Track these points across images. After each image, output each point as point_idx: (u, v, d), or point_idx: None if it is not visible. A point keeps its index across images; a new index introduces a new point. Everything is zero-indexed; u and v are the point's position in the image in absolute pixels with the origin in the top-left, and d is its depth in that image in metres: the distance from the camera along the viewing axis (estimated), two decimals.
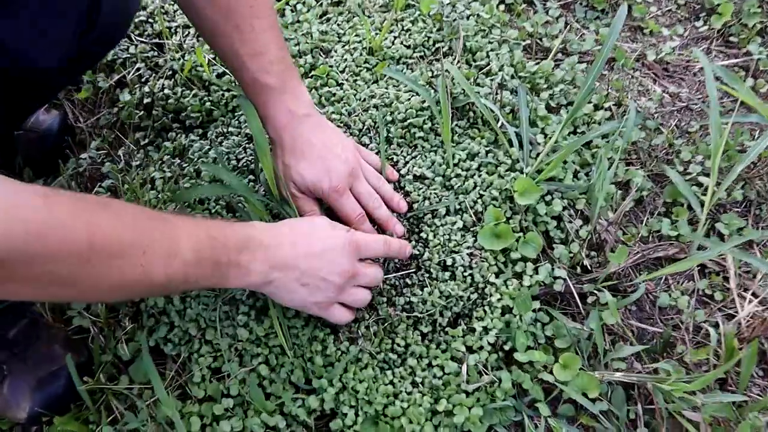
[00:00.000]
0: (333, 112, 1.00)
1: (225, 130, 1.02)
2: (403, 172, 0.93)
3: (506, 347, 0.82)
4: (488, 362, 0.81)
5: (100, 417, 0.78)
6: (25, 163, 1.00)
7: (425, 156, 0.95)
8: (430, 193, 0.91)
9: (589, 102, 1.07)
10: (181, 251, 0.60)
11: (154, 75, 1.11)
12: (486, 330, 0.82)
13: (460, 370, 0.79)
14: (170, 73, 1.11)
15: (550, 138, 0.95)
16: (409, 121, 0.96)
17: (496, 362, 0.81)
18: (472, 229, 0.89)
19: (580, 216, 0.94)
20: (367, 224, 0.85)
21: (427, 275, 0.85)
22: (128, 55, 1.13)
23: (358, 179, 0.85)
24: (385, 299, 0.83)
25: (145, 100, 1.07)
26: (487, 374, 0.79)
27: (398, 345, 0.81)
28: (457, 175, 0.92)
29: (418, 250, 0.86)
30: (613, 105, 1.09)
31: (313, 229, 0.76)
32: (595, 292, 0.87)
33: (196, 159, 0.98)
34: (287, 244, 0.72)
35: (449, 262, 0.85)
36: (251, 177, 0.94)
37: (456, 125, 0.98)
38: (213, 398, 0.79)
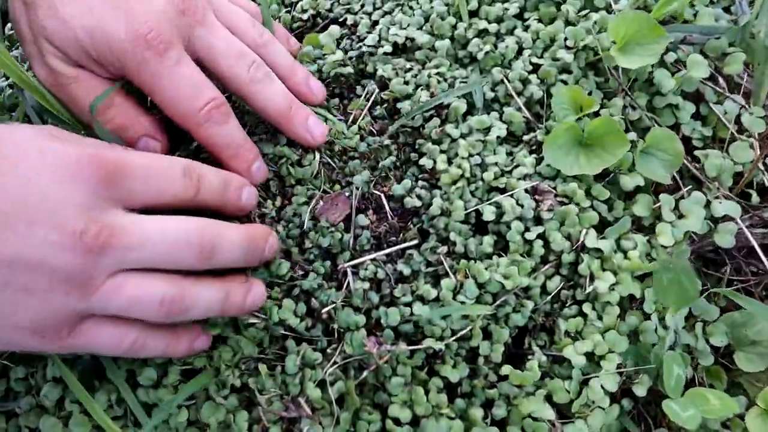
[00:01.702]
0: None
1: None
2: (368, 43, 0.45)
3: (639, 389, 0.36)
4: (607, 430, 0.36)
5: None
6: None
7: (408, 5, 0.47)
8: (430, 76, 0.43)
9: None
10: None
11: None
12: (595, 359, 0.36)
13: None
14: None
15: None
16: None
17: (618, 426, 0.36)
18: (526, 138, 0.42)
19: (736, 89, 0.47)
20: (231, 124, 0.37)
21: (445, 250, 0.38)
22: None
23: (205, 22, 0.37)
24: (359, 314, 0.37)
25: None
26: None
27: (397, 422, 0.35)
28: (481, 33, 0.44)
29: (420, 197, 0.40)
30: None
31: None
32: None
33: None
34: None
35: (489, 215, 0.38)
36: None
37: None
38: None
